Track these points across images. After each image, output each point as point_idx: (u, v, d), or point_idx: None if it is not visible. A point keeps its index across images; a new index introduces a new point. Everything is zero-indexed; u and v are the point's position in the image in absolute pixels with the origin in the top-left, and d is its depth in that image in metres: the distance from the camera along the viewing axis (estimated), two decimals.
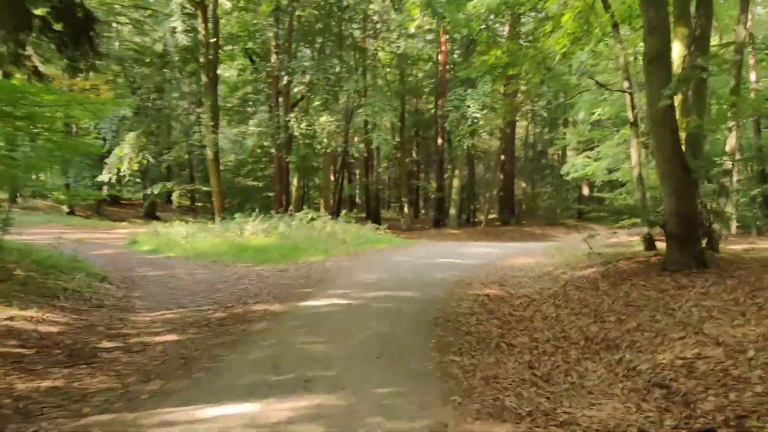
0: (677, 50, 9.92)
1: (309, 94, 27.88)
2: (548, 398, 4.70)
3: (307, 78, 26.64)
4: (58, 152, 11.19)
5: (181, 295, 10.28)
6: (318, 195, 36.99)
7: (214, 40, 26.35)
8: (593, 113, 20.27)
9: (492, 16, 25.70)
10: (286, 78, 26.55)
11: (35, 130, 8.40)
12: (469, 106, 25.76)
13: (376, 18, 28.77)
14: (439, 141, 34.85)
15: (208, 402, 4.53)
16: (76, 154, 17.17)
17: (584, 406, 4.48)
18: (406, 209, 35.12)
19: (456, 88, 29.35)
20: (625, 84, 12.89)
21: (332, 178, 33.61)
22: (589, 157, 20.09)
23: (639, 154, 12.81)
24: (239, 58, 35.48)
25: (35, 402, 4.54)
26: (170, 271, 13.38)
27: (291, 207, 24.84)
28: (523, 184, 43.67)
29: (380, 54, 34.44)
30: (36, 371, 5.26)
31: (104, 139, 25.70)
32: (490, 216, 36.72)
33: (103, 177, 25.63)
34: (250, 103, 35.57)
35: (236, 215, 20.53)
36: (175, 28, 23.88)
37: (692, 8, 10.19)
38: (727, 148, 11.92)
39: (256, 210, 20.98)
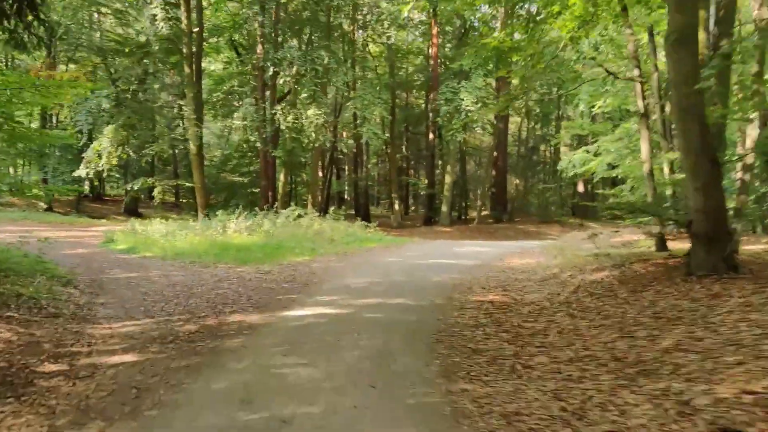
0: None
1: (296, 86, 26.79)
2: None
3: (294, 69, 25.58)
4: (19, 143, 10.13)
5: (152, 302, 9.24)
6: (306, 191, 35.94)
7: (197, 30, 25.28)
8: (593, 106, 19.35)
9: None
10: (272, 69, 25.46)
11: None
12: (462, 99, 24.80)
13: (365, 9, 27.84)
14: (431, 136, 33.87)
15: None
16: (40, 145, 15.98)
17: None
18: (396, 206, 34.15)
19: (448, 81, 28.40)
20: (635, 72, 11.97)
21: (320, 174, 32.61)
22: (588, 152, 19.18)
23: (650, 147, 11.89)
24: (225, 51, 34.42)
25: None
26: (144, 273, 12.32)
27: (277, 203, 23.82)
28: (516, 181, 42.79)
29: (370, 46, 33.45)
30: None
31: (81, 132, 24.47)
32: (482, 213, 35.82)
33: (80, 172, 24.47)
34: (236, 96, 34.41)
35: (219, 212, 19.46)
36: (155, 15, 22.73)
37: None
38: (748, 142, 11.02)
39: (240, 207, 19.96)
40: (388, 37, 27.72)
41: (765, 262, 8.57)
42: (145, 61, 26.25)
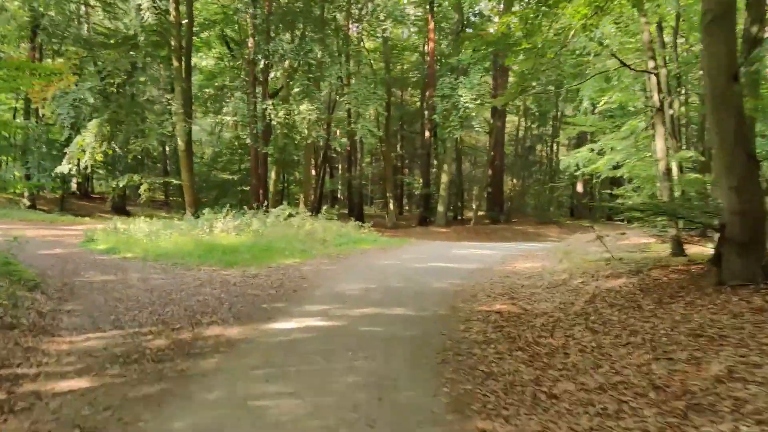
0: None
1: (288, 81, 25.89)
2: None
3: (287, 63, 24.69)
4: None
5: (124, 309, 8.36)
6: (298, 190, 35.04)
7: (187, 21, 24.37)
8: (597, 102, 18.50)
9: None
10: (263, 62, 24.56)
11: None
12: (461, 96, 23.96)
13: (361, 2, 26.97)
14: (426, 134, 32.96)
15: None
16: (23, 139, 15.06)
17: None
18: (391, 206, 33.27)
19: (445, 77, 27.54)
20: (650, 64, 11.16)
21: (313, 172, 31.70)
22: (592, 150, 18.32)
23: (666, 143, 11.09)
24: (217, 46, 33.52)
25: None
26: (122, 276, 11.42)
27: (266, 202, 22.96)
28: (514, 180, 41.99)
29: (365, 40, 32.58)
30: None
31: (63, 126, 23.50)
32: (479, 213, 35.00)
33: (63, 168, 23.47)
34: (228, 92, 33.44)
35: (205, 210, 18.54)
36: (140, 4, 21.78)
37: None
38: None
39: (228, 205, 19.07)
40: (384, 30, 26.81)
41: None
42: (132, 53, 25.32)
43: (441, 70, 30.37)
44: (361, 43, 31.77)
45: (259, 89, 25.83)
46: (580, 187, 34.70)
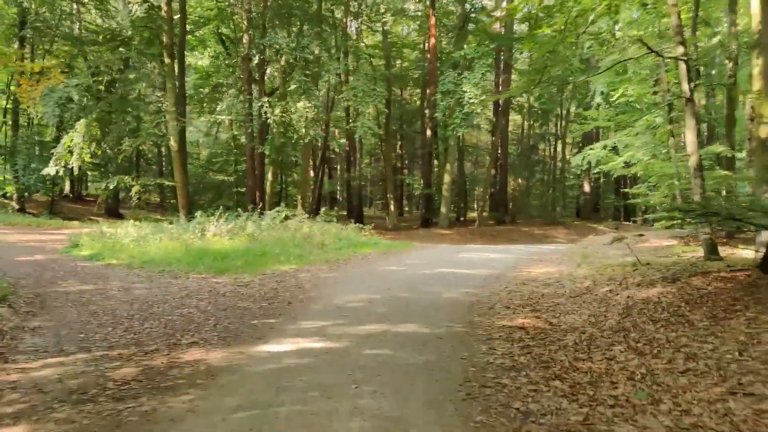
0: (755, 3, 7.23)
1: (285, 77, 24.89)
2: None
3: (283, 59, 23.70)
4: None
5: (97, 325, 7.37)
6: (296, 192, 34.04)
7: (179, 16, 23.38)
8: (611, 96, 17.50)
9: None
10: (258, 57, 23.57)
11: None
12: (465, 91, 22.98)
13: None
14: (428, 133, 31.94)
15: None
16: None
17: None
18: (392, 207, 32.26)
19: (448, 73, 26.56)
20: (679, 49, 10.17)
21: (311, 173, 30.73)
22: (606, 147, 17.37)
23: (696, 137, 10.11)
24: (212, 44, 32.56)
25: None
26: (102, 285, 10.45)
27: (262, 204, 21.97)
28: (520, 180, 40.98)
29: (364, 35, 31.62)
30: None
31: (47, 125, 22.52)
32: (483, 214, 34.02)
33: (50, 170, 22.45)
34: (223, 90, 32.44)
35: (197, 213, 17.52)
36: None
37: None
38: None
39: (221, 207, 18.07)
40: (384, 23, 25.83)
41: None
42: (121, 50, 24.33)
43: (442, 66, 29.38)
44: (360, 39, 30.82)
45: (255, 87, 24.87)
46: (587, 187, 33.71)
